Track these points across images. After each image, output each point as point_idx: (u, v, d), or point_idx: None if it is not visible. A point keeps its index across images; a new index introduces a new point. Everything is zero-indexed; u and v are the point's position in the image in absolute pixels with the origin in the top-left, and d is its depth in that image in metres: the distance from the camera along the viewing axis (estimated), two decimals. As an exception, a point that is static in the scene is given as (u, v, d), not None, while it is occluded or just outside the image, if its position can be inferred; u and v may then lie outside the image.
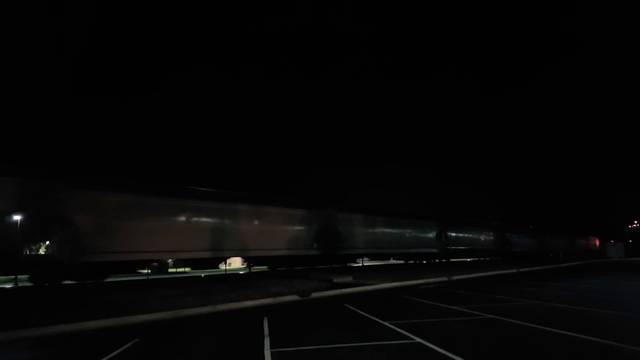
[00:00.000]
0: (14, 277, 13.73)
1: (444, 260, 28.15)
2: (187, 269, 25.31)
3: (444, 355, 4.88)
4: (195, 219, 14.24)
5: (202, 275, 16.91)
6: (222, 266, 20.65)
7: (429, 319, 7.42)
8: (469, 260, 33.09)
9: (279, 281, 14.00)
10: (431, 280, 15.68)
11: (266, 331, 6.54)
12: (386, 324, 6.93)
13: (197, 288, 12.00)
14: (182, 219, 13.92)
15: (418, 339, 5.69)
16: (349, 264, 21.86)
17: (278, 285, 12.68)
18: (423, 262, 27.41)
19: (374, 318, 7.52)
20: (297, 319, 7.95)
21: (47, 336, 6.65)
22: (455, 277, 16.78)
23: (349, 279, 14.92)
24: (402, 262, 27.91)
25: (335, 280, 14.42)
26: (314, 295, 11.16)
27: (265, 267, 18.94)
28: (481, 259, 33.97)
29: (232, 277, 15.75)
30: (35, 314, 7.68)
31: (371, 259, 27.08)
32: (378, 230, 22.05)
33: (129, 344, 5.97)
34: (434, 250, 26.13)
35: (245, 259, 19.92)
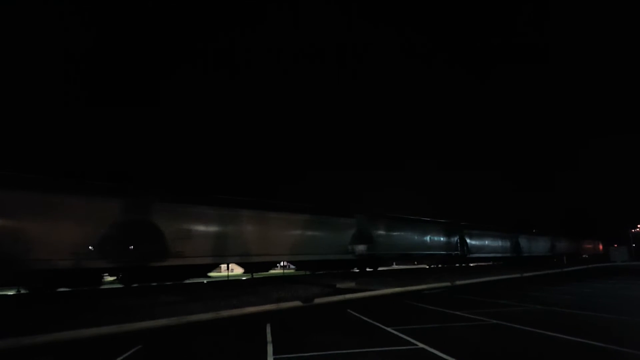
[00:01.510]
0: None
1: (369, 270, 22.21)
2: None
3: (448, 361, 4.86)
4: None
5: (205, 281, 16.87)
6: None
7: (433, 324, 7.39)
8: (471, 265, 30.88)
9: (281, 287, 13.98)
10: (434, 285, 15.62)
11: (269, 337, 6.52)
12: (389, 329, 6.90)
13: (199, 294, 11.98)
14: None
15: (422, 345, 5.67)
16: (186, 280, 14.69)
17: (281, 291, 12.65)
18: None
19: (377, 324, 7.49)
20: (300, 325, 7.92)
21: (49, 343, 6.64)
22: (458, 282, 16.71)
23: (352, 284, 14.89)
24: (304, 272, 21.01)
25: (338, 285, 14.39)
26: (317, 301, 11.12)
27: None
28: (432, 266, 28.15)
29: (235, 283, 15.71)
30: (38, 321, 7.68)
31: (246, 271, 19.02)
32: (251, 228, 15.25)
33: (132, 350, 5.96)
34: (349, 256, 19.48)
35: None
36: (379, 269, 23.53)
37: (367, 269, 22.20)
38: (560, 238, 44.61)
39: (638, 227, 55.06)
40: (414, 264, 29.95)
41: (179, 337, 7.04)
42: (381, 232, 21.69)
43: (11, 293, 12.99)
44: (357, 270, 21.72)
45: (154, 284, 13.61)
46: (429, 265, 28.34)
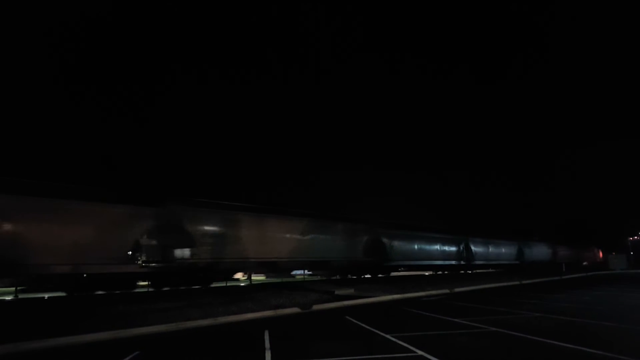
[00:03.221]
0: (14, 288, 13.65)
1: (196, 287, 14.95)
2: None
3: (447, 368, 4.86)
4: None
5: (203, 287, 16.80)
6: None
7: (432, 331, 7.38)
8: (469, 272, 29.72)
9: (279, 293, 13.93)
10: (433, 292, 15.58)
11: (267, 344, 6.50)
12: (388, 336, 6.89)
13: (198, 300, 11.94)
14: None
15: (420, 352, 5.66)
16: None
17: (279, 298, 12.61)
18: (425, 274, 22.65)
19: (376, 331, 7.48)
20: (298, 332, 7.91)
21: (47, 349, 6.62)
22: (457, 289, 16.67)
23: (351, 291, 14.84)
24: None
25: (336, 292, 14.35)
26: (315, 307, 11.10)
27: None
28: (331, 277, 19.98)
29: (233, 289, 15.66)
30: (36, 327, 7.66)
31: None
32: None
33: (130, 356, 5.95)
34: (134, 268, 12.68)
35: None
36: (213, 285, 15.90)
37: (193, 287, 14.96)
38: (560, 245, 43.11)
39: (637, 236, 55.08)
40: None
41: (177, 343, 7.02)
42: (219, 228, 14.72)
43: (8, 298, 12.95)
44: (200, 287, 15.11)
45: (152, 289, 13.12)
46: (327, 277, 20.36)
